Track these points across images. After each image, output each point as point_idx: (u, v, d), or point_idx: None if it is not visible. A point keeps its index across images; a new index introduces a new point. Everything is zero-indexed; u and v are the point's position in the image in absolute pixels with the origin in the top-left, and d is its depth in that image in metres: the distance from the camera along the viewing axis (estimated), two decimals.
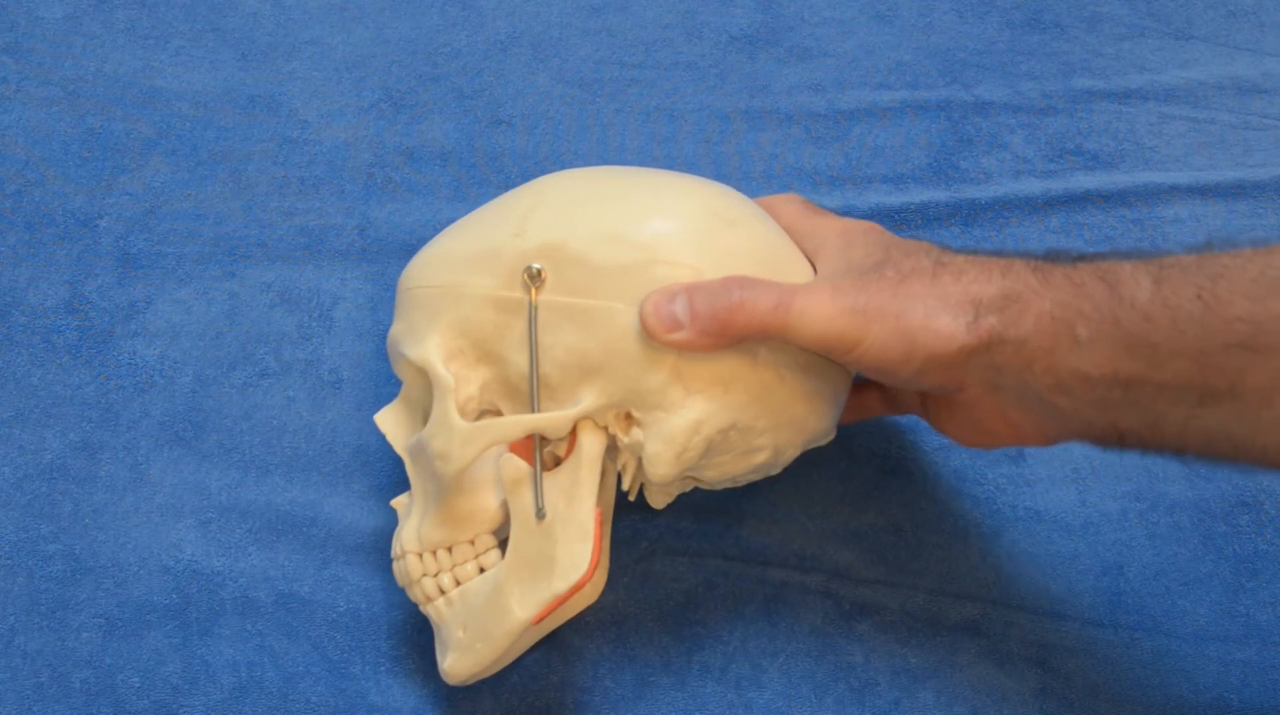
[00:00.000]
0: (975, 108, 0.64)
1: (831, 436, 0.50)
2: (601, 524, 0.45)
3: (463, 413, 0.46)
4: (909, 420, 0.57)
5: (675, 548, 0.55)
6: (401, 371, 0.50)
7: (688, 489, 0.54)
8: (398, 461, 0.56)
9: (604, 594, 0.50)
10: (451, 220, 0.53)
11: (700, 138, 0.64)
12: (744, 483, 0.52)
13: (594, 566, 0.44)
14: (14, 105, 0.64)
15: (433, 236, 0.53)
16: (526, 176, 0.62)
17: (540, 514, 0.45)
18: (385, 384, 0.58)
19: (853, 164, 0.63)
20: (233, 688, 0.52)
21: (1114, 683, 0.52)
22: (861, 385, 0.54)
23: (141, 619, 0.53)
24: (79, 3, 0.67)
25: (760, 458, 0.46)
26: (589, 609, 0.53)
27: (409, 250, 0.60)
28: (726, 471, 0.47)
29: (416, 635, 0.53)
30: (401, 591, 0.54)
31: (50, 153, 0.63)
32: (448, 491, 0.46)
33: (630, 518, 0.55)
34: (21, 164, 0.63)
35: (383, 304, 0.60)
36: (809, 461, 0.56)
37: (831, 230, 0.48)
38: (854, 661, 0.52)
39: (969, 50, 0.66)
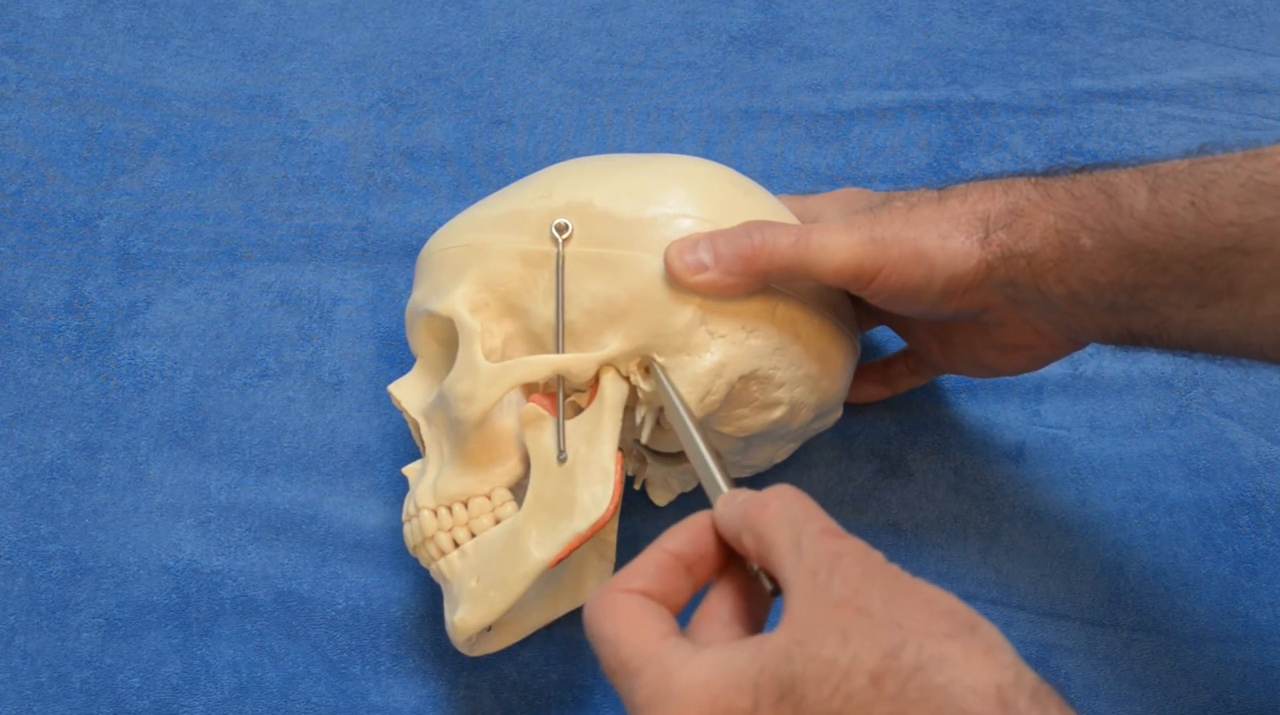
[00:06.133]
0: (975, 108, 0.64)
1: (839, 415, 0.52)
2: (621, 469, 0.45)
3: (487, 359, 0.47)
4: (909, 420, 0.57)
5: None
6: (419, 339, 0.51)
7: (689, 488, 0.54)
8: (397, 461, 0.56)
9: None
10: None
11: (700, 138, 0.64)
12: (752, 462, 0.52)
13: (614, 507, 0.44)
14: (14, 105, 0.64)
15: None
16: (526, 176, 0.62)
17: (562, 456, 0.45)
18: (385, 385, 0.58)
19: (853, 164, 0.63)
20: (233, 688, 0.52)
21: (1114, 683, 0.52)
22: (884, 360, 0.55)
23: (141, 619, 0.53)
24: (79, 3, 0.67)
25: (777, 413, 0.47)
26: None
27: (409, 250, 0.60)
28: (744, 426, 0.47)
29: (416, 635, 0.53)
30: (402, 588, 0.54)
31: (50, 153, 0.63)
32: (468, 439, 0.46)
33: (631, 518, 0.55)
34: (21, 164, 0.63)
35: (383, 305, 0.60)
36: (809, 462, 0.56)
37: (823, 199, 0.51)
38: None
39: (969, 50, 0.66)
